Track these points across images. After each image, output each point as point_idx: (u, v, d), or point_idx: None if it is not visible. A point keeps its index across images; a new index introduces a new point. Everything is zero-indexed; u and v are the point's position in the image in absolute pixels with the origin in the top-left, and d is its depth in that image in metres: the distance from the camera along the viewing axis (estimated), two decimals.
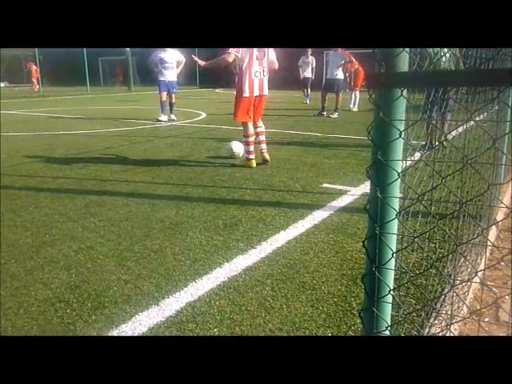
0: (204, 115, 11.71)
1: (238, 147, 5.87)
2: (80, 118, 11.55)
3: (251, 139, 5.46)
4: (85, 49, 23.56)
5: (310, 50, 15.26)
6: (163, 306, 2.32)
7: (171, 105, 10.44)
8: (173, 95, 10.29)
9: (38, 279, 2.62)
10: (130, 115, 12.02)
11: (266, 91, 5.40)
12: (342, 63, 11.28)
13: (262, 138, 5.60)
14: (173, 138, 8.02)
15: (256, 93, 5.29)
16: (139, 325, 2.15)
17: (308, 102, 15.68)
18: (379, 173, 1.13)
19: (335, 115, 11.12)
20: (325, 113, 11.36)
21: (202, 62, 5.83)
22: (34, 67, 26.88)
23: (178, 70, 10.20)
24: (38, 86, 26.01)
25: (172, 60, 10.07)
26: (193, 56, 5.64)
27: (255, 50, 5.14)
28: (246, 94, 5.24)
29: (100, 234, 3.28)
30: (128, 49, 25.22)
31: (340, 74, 11.36)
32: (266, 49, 5.21)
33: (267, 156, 5.58)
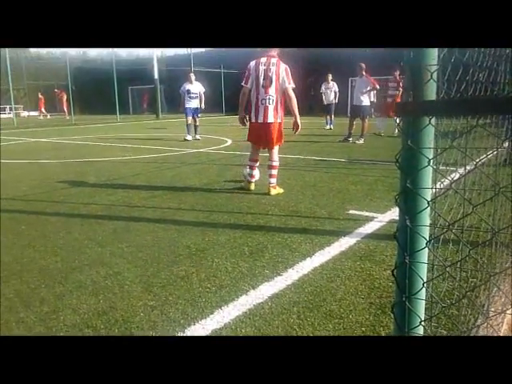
0: (229, 142, 11.86)
1: (256, 174, 5.85)
2: (110, 146, 11.84)
3: (252, 163, 5.66)
4: (115, 77, 24.30)
5: (330, 76, 15.43)
6: (189, 333, 2.31)
7: (195, 127, 12.68)
8: (196, 119, 12.66)
9: (67, 304, 2.65)
10: (158, 142, 12.26)
11: (271, 119, 5.32)
12: (368, 90, 11.31)
13: (273, 172, 5.52)
14: (199, 164, 8.13)
15: (260, 120, 5.34)
16: None
17: (332, 127, 15.74)
18: (408, 201, 1.12)
19: (361, 141, 11.09)
20: (351, 139, 11.35)
21: (244, 122, 5.68)
22: (64, 95, 28.09)
23: (202, 100, 12.58)
24: (68, 116, 27.07)
25: (196, 91, 12.49)
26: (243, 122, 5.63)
27: (261, 78, 5.28)
28: (252, 120, 5.43)
29: (127, 260, 3.32)
30: (156, 77, 25.92)
31: (366, 101, 11.38)
32: (273, 77, 5.27)
33: (272, 192, 5.45)
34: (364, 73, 11.33)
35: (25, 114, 32.26)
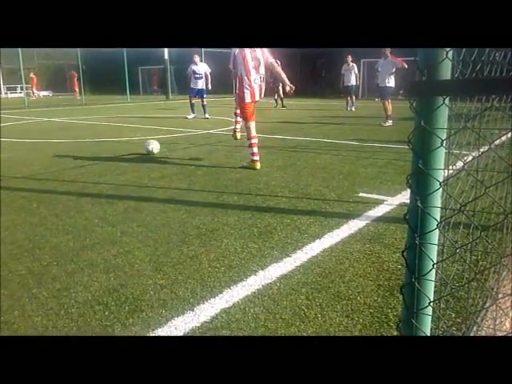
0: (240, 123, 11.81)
1: (155, 146, 7.10)
2: (120, 126, 11.86)
3: (255, 141, 5.97)
4: (125, 58, 24.19)
5: (350, 57, 15.20)
6: (198, 311, 2.34)
7: (203, 107, 13.17)
8: (204, 99, 13.16)
9: (79, 282, 2.69)
10: (168, 123, 12.25)
11: (261, 96, 5.92)
12: (394, 71, 10.94)
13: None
14: (209, 145, 8.12)
15: (257, 98, 5.84)
16: (175, 329, 2.18)
17: (353, 109, 15.54)
18: (420, 182, 1.11)
19: (388, 123, 10.75)
20: (390, 121, 11.07)
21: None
22: (75, 75, 27.77)
23: (208, 80, 13.08)
24: (78, 96, 26.87)
25: (201, 71, 13.01)
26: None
27: (250, 60, 5.70)
28: (247, 100, 5.79)
29: (138, 239, 3.35)
30: (167, 58, 25.76)
31: (391, 82, 11.03)
32: (260, 57, 5.76)
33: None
34: (389, 54, 11.00)
35: (36, 93, 32.24)
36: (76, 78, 28.07)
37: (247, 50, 5.71)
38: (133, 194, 4.67)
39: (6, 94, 32.06)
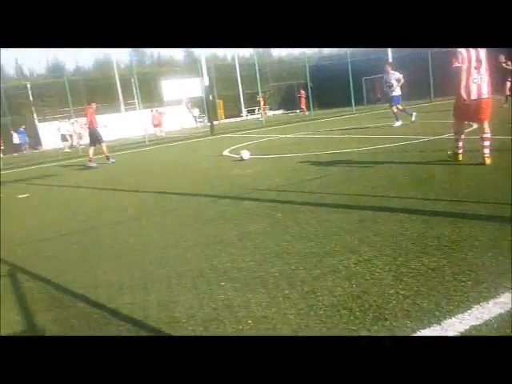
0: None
1: (245, 154, 9.49)
2: (347, 137, 12.20)
3: (457, 136, 6.43)
4: (350, 71, 24.71)
5: None
6: (445, 325, 2.25)
7: (402, 111, 13.85)
8: (398, 106, 13.84)
9: (323, 286, 2.89)
10: (394, 131, 12.06)
11: (485, 95, 6.05)
12: None
13: (486, 143, 6.10)
14: (441, 151, 7.65)
15: (474, 97, 6.01)
16: None
17: None
18: None
19: None
20: None
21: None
22: (303, 93, 29.56)
23: (398, 87, 13.77)
24: (307, 112, 28.53)
25: (392, 80, 13.79)
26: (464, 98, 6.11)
27: (473, 61, 5.95)
28: (464, 97, 6.03)
29: (375, 248, 3.41)
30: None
31: None
32: (482, 59, 6.00)
33: (487, 161, 6.01)
34: None
35: (270, 113, 35.65)
36: (304, 96, 29.88)
37: (472, 51, 5.99)
38: (366, 204, 4.76)
39: (247, 115, 36.43)
